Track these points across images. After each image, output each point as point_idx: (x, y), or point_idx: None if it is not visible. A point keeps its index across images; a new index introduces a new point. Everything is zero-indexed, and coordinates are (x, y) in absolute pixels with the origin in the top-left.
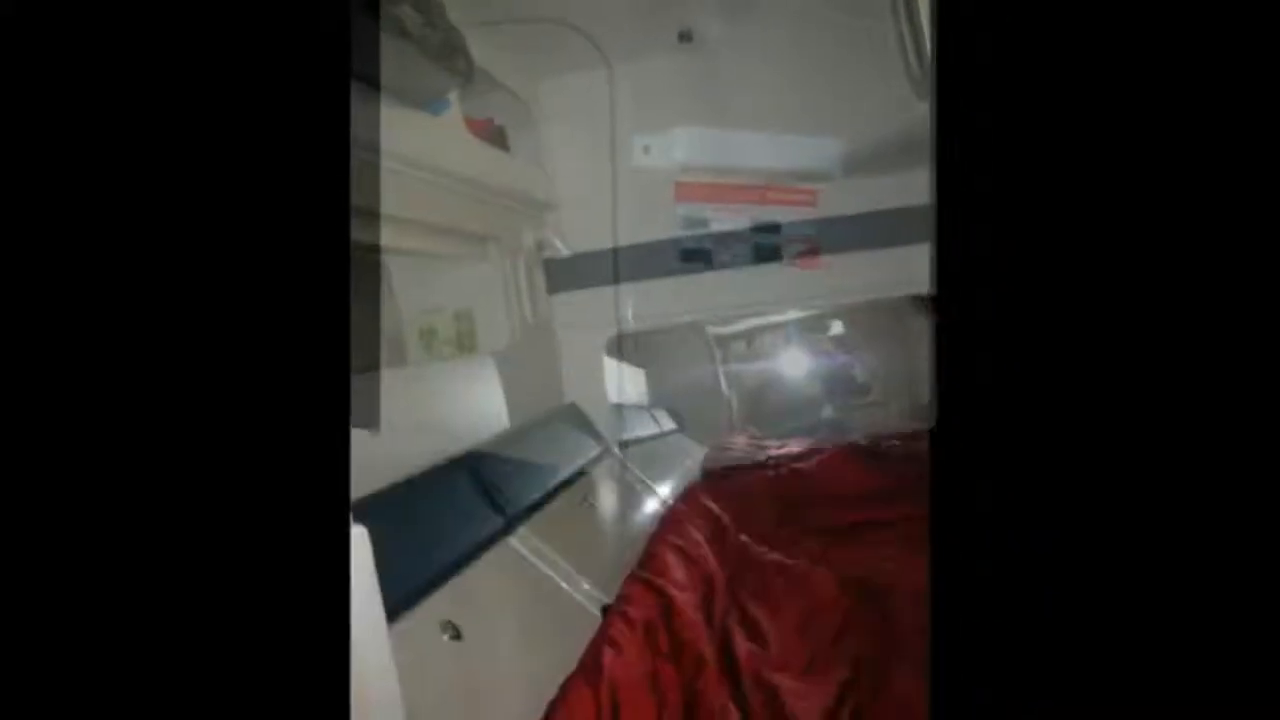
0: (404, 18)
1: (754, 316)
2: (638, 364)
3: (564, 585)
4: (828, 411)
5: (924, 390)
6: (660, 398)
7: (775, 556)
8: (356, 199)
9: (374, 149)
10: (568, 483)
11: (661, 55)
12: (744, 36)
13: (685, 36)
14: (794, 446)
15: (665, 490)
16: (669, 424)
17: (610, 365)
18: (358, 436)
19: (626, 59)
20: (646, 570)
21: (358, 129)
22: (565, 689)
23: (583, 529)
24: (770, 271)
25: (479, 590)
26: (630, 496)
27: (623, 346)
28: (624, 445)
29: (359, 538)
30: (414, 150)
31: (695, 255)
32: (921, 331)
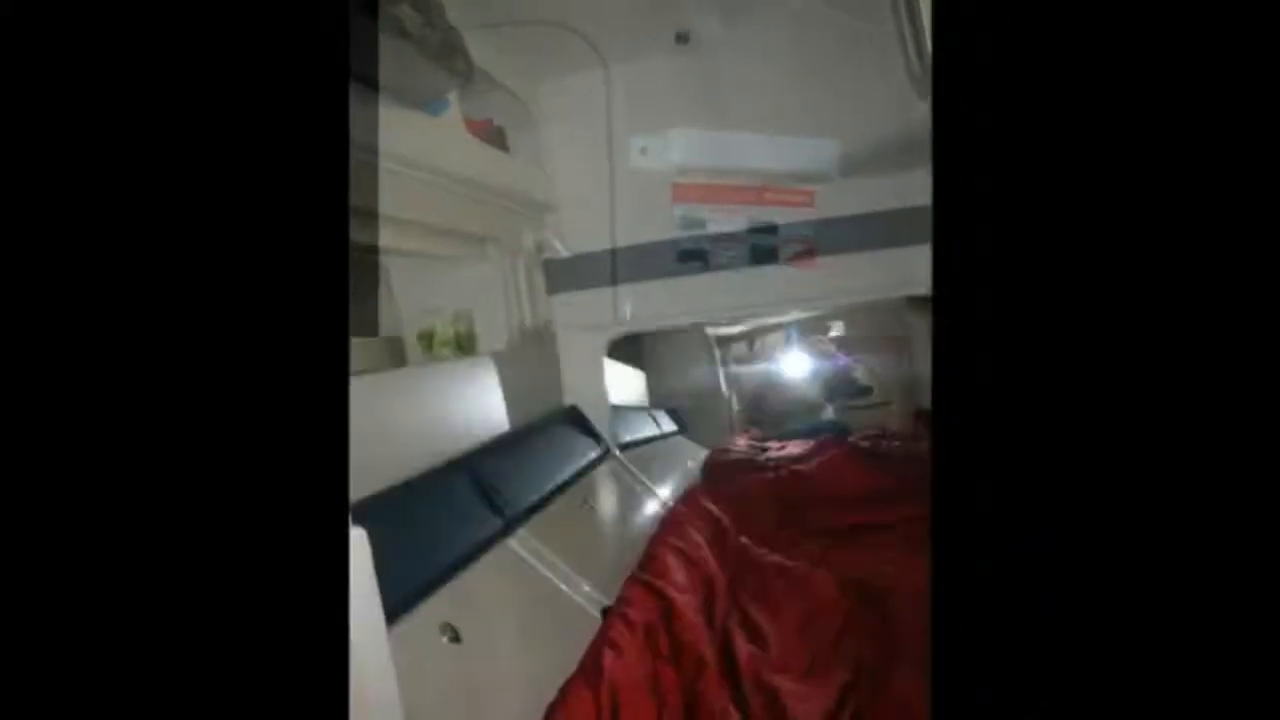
0: (403, 18)
1: (754, 318)
2: (638, 365)
3: (564, 587)
4: (828, 413)
5: (925, 392)
6: (660, 399)
7: (775, 558)
8: (355, 200)
9: (373, 149)
10: (567, 484)
11: (659, 56)
12: (742, 37)
13: (683, 38)
14: (794, 448)
15: (665, 492)
16: (669, 425)
17: (610, 366)
18: (357, 438)
19: (624, 60)
20: (647, 572)
21: (356, 129)
22: (565, 691)
23: (582, 531)
24: (769, 273)
25: (478, 592)
26: (630, 498)
27: (623, 347)
28: (624, 447)
29: (358, 540)
30: (413, 151)
31: (692, 256)
32: (922, 332)
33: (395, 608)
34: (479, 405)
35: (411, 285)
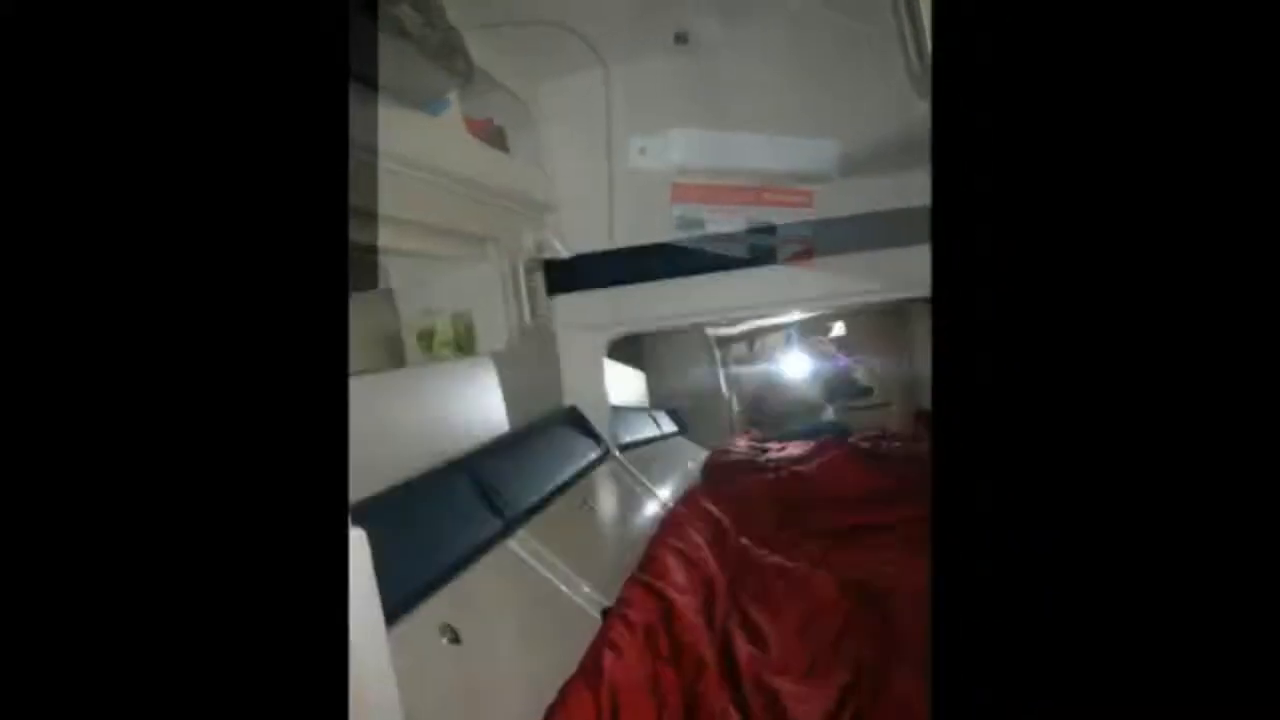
0: (403, 18)
1: (754, 318)
2: (638, 366)
3: (564, 588)
4: (828, 414)
5: (925, 392)
6: (660, 400)
7: (776, 559)
8: (355, 200)
9: (372, 149)
10: (567, 485)
11: (658, 57)
12: (741, 38)
13: (682, 38)
14: (794, 449)
15: (665, 493)
16: (669, 426)
17: (610, 367)
18: (356, 438)
19: (623, 60)
20: (647, 573)
21: (356, 129)
22: (565, 692)
23: (582, 532)
24: (769, 273)
25: (478, 593)
26: (630, 499)
27: (623, 348)
28: (624, 448)
29: (358, 541)
30: (413, 151)
31: (691, 256)
32: (922, 333)
33: (395, 609)
34: (479, 406)
35: (411, 285)
